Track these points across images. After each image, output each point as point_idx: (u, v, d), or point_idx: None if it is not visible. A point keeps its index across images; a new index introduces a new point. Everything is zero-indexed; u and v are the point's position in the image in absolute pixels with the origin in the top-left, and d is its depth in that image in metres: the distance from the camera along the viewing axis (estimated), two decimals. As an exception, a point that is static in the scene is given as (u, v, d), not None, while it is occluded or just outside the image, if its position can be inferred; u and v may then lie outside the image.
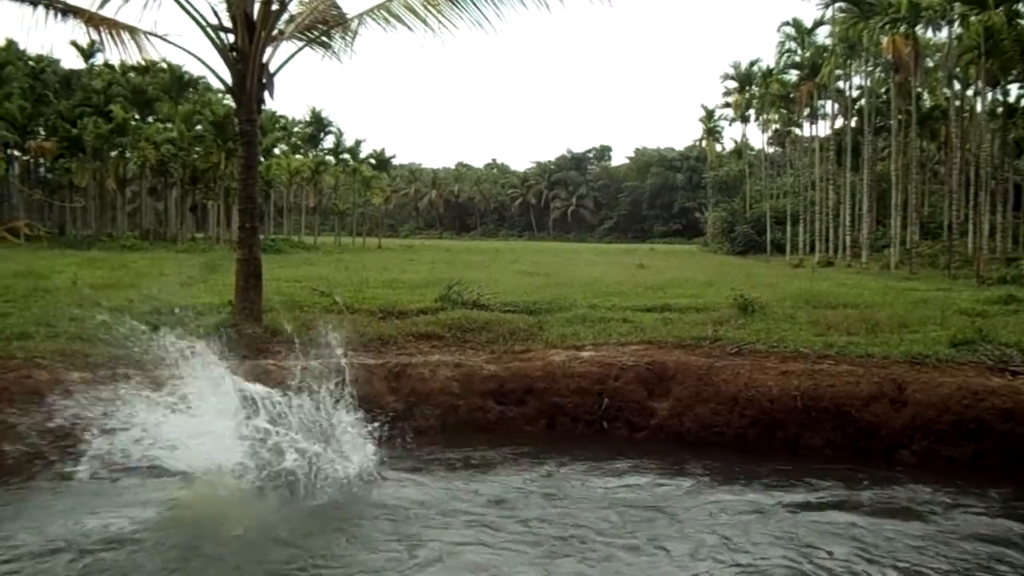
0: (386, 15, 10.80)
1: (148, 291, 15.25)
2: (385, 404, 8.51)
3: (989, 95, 37.59)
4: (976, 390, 7.63)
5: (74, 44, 53.22)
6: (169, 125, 54.95)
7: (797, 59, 51.50)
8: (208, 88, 57.62)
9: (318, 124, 72.47)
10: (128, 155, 55.35)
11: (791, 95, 53.05)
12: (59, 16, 10.33)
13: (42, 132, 52.89)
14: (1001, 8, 31.40)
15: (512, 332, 10.89)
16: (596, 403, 8.58)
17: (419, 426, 8.50)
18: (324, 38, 11.60)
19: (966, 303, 14.39)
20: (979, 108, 38.39)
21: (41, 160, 55.18)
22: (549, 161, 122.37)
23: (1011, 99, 39.34)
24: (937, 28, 38.27)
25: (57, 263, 23.08)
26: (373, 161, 72.71)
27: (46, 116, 51.99)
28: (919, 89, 41.03)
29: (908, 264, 33.89)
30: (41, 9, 10.16)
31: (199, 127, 53.33)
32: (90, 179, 52.94)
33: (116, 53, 10.85)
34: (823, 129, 53.99)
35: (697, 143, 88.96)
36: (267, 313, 11.08)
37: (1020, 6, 32.51)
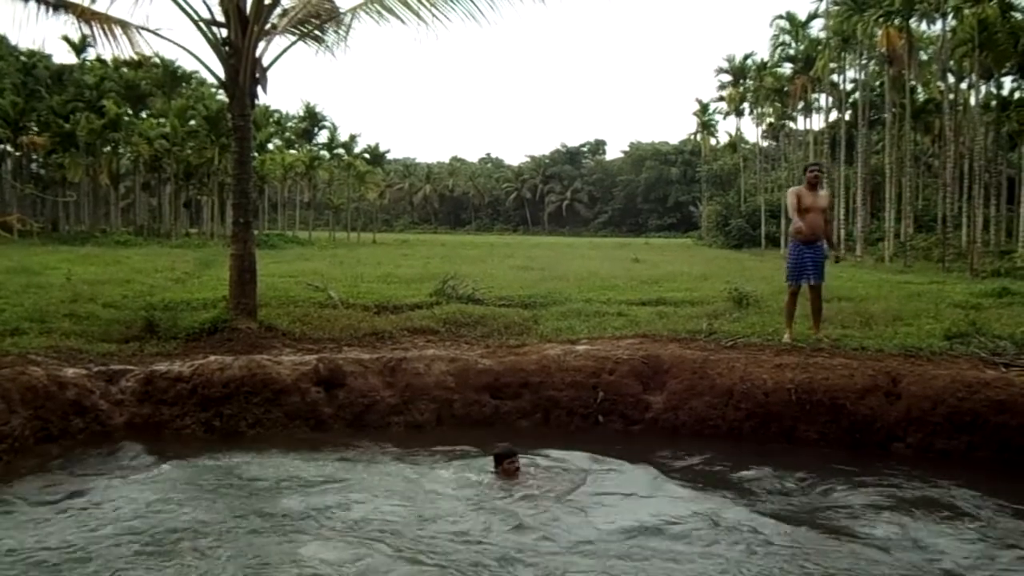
0: (379, 8, 10.80)
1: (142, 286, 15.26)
2: (381, 399, 8.53)
3: (983, 88, 37.63)
4: (970, 382, 7.64)
5: (66, 39, 52.85)
6: (162, 120, 54.71)
7: (791, 52, 51.48)
8: (201, 83, 57.42)
9: (312, 119, 72.38)
10: (121, 150, 55.15)
11: (785, 88, 53.02)
12: (50, 11, 10.31)
13: (34, 127, 52.58)
14: (995, 0, 31.41)
15: (507, 326, 10.92)
16: (591, 397, 8.58)
17: (415, 421, 8.52)
18: (317, 32, 11.60)
19: (960, 296, 14.42)
20: (973, 101, 38.39)
21: (33, 155, 54.92)
22: (544, 155, 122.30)
23: (1005, 92, 39.40)
24: (931, 21, 38.27)
25: (50, 259, 23.00)
26: (367, 156, 72.63)
27: (38, 111, 51.67)
28: (913, 82, 41.04)
29: (903, 257, 33.94)
30: (32, 4, 10.14)
31: (192, 122, 53.09)
32: (83, 174, 52.74)
33: (108, 48, 10.88)
34: (817, 122, 54.07)
35: (692, 137, 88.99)
36: (261, 308, 11.08)
37: (1014, -2, 32.53)
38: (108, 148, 53.78)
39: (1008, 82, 38.93)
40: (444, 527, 5.64)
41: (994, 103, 38.61)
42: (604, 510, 6.05)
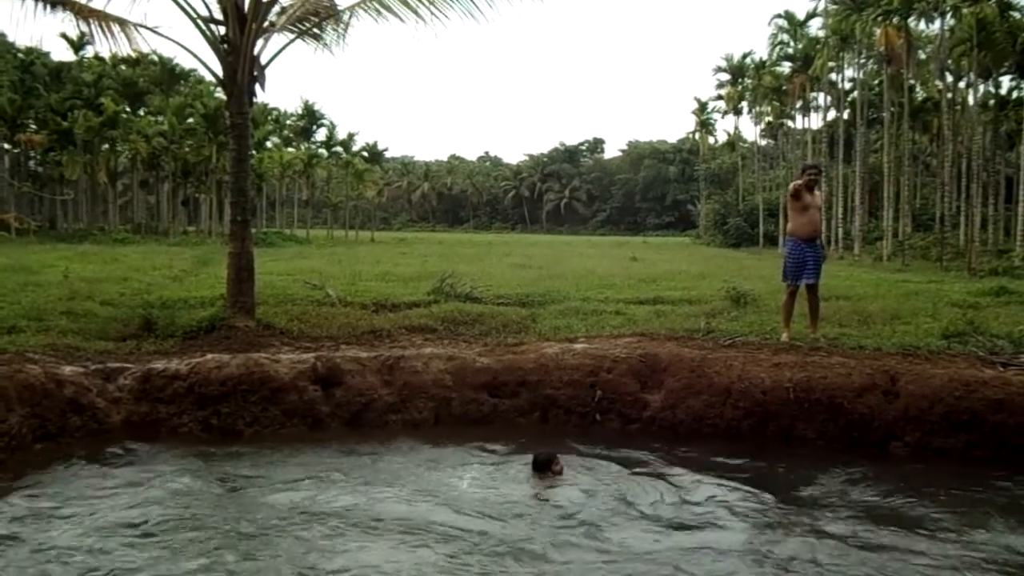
0: (378, 6, 10.78)
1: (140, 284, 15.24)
2: (379, 397, 8.53)
3: (981, 87, 37.65)
4: (968, 381, 7.63)
5: (64, 36, 52.64)
6: (160, 118, 54.65)
7: (790, 51, 51.42)
8: (199, 81, 57.36)
9: (310, 117, 72.28)
10: (119, 148, 55.06)
11: (784, 87, 53.03)
12: (48, 8, 10.29)
13: (32, 125, 52.48)
14: (993, 0, 31.41)
15: (505, 325, 10.91)
16: (589, 395, 8.58)
17: (413, 419, 8.51)
18: (316, 30, 11.57)
19: (958, 295, 14.42)
20: (971, 100, 38.44)
21: (31, 153, 54.84)
22: (542, 153, 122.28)
23: (1003, 91, 39.48)
24: (930, 20, 38.27)
25: (48, 257, 22.99)
26: (366, 154, 72.50)
27: (36, 109, 51.52)
28: (911, 81, 41.06)
29: (900, 256, 33.95)
30: (30, 1, 10.11)
31: (190, 120, 53.00)
32: (81, 172, 52.64)
33: (106, 45, 10.81)
34: (816, 121, 54.09)
35: (690, 135, 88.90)
36: (259, 306, 11.06)
37: (1012, -2, 32.54)
38: (106, 146, 53.70)
39: (1006, 81, 39.06)
40: (495, 532, 5.61)
41: (992, 102, 38.65)
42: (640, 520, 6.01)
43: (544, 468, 6.69)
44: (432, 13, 10.47)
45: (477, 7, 10.31)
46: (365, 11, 10.96)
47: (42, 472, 6.75)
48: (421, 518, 5.82)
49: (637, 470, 7.09)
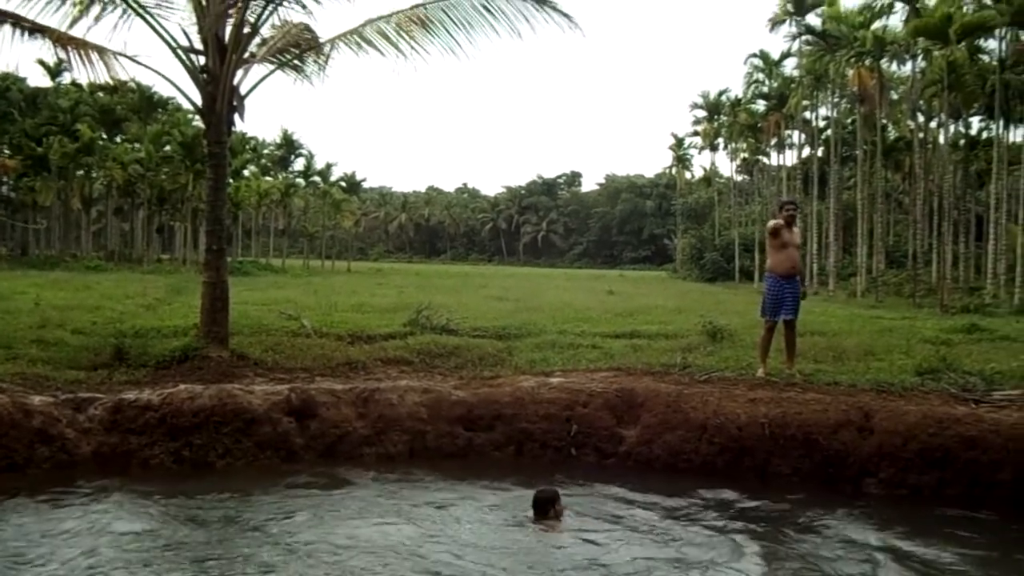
0: (359, 40, 10.83)
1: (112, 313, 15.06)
2: (353, 430, 8.45)
3: (952, 128, 38.32)
4: (941, 418, 7.68)
5: (41, 63, 52.61)
6: (137, 145, 54.43)
7: (765, 90, 52.22)
8: (177, 109, 57.25)
9: (289, 146, 72.33)
10: (94, 175, 54.72)
11: (759, 125, 53.73)
12: (26, 35, 10.23)
13: (6, 150, 52.05)
14: (963, 43, 32.10)
15: (481, 358, 10.88)
16: (565, 429, 8.55)
17: (387, 452, 8.43)
18: (296, 61, 11.58)
19: (931, 332, 14.56)
20: (942, 140, 39.09)
21: (4, 178, 54.31)
22: (520, 186, 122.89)
23: (973, 132, 40.24)
24: (901, 62, 39.07)
25: (19, 284, 22.69)
26: (344, 184, 72.58)
27: (10, 134, 51.13)
28: (884, 121, 41.76)
29: (874, 292, 34.27)
30: (8, 27, 10.05)
31: (167, 148, 52.84)
32: (54, 198, 52.21)
33: (84, 72, 10.76)
34: (790, 158, 54.80)
35: (667, 170, 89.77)
36: (233, 336, 10.96)
37: (981, 42, 33.25)
38: (81, 172, 53.35)
39: (976, 122, 39.82)
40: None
41: (963, 142, 39.32)
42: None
43: (543, 508, 6.40)
44: (412, 48, 10.55)
45: (457, 43, 10.41)
46: (346, 44, 11.00)
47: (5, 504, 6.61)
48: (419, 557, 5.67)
49: (621, 507, 7.04)
